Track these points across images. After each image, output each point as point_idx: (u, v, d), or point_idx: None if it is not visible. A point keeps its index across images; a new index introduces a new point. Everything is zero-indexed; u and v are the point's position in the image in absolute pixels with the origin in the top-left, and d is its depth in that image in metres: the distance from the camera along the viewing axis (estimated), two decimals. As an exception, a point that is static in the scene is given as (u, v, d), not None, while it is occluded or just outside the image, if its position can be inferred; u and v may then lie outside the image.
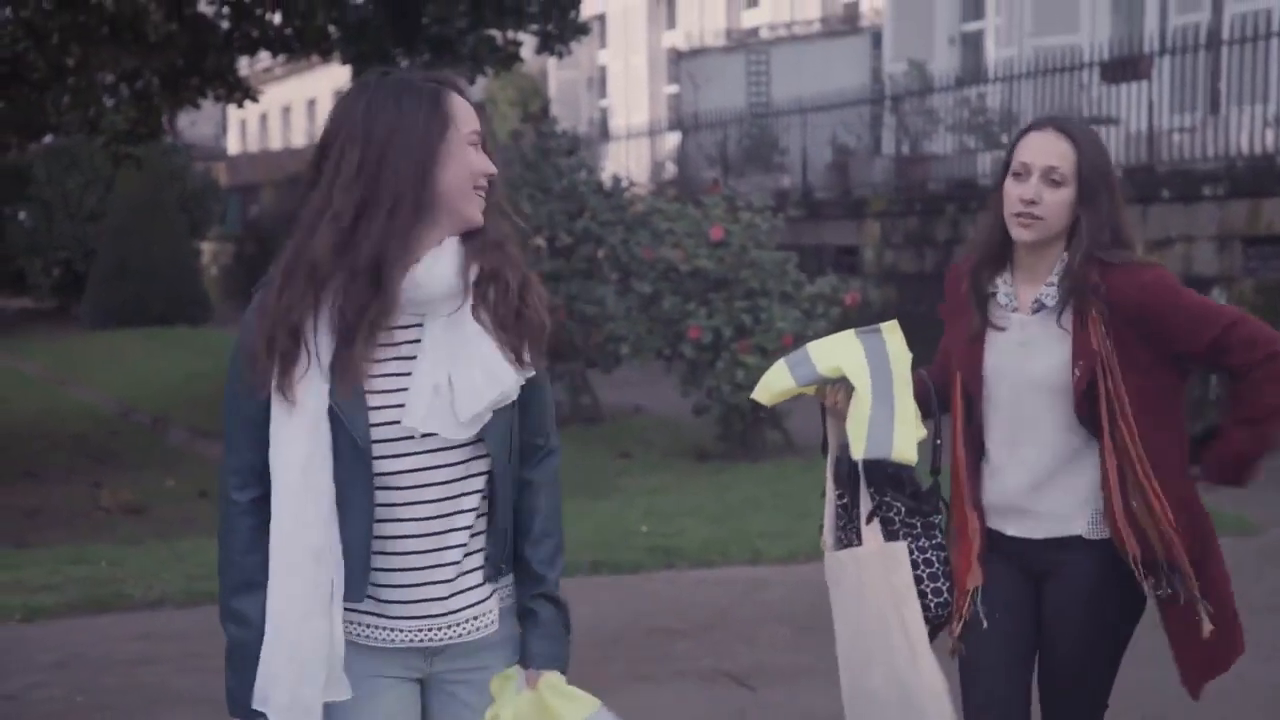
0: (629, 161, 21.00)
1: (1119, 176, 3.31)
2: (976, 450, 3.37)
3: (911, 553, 3.31)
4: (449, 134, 2.57)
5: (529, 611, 2.71)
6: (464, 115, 2.62)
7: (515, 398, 2.62)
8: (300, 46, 15.74)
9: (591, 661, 4.82)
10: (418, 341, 2.60)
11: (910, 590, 3.29)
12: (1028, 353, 3.28)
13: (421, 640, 2.63)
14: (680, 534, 7.85)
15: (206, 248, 33.23)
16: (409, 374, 2.58)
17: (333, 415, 2.54)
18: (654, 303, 10.76)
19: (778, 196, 16.34)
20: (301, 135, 41.36)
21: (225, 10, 15.22)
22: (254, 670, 2.57)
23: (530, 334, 2.64)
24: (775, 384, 3.33)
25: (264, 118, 43.28)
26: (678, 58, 22.32)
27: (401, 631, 2.63)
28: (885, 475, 3.32)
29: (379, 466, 2.56)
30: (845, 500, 3.40)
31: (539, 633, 2.70)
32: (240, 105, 17.43)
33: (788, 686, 5.48)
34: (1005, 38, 17.67)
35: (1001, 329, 3.30)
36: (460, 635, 2.63)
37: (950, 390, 3.40)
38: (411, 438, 2.56)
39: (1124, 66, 13.42)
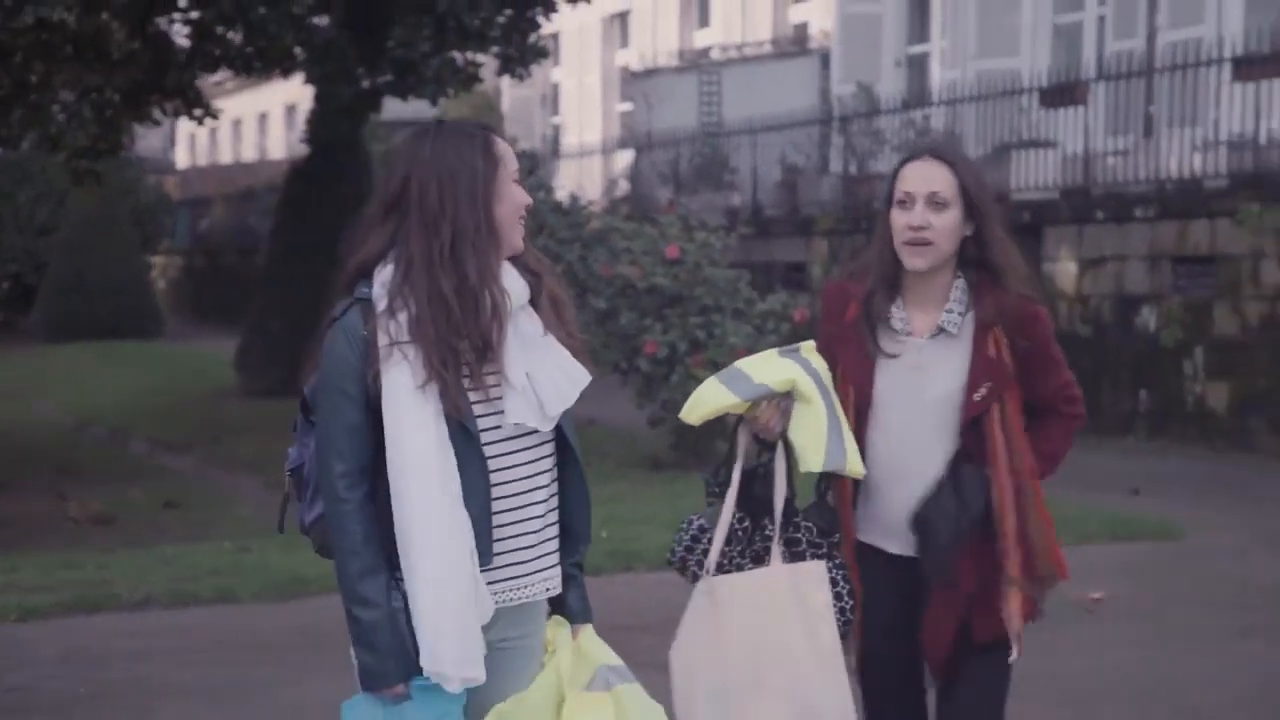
0: (581, 179, 21.40)
1: (996, 203, 3.40)
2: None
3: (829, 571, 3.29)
4: (499, 173, 2.97)
5: (570, 575, 3.10)
6: (508, 156, 3.03)
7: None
8: (262, 65, 16.04)
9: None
10: None
11: (828, 610, 3.25)
12: (923, 377, 3.32)
13: (509, 600, 2.97)
14: (638, 539, 8.24)
15: (156, 261, 33.29)
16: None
17: (451, 416, 2.90)
18: (610, 318, 11.15)
19: (728, 214, 16.79)
20: (252, 149, 41.40)
21: (187, 29, 15.47)
22: (389, 646, 2.85)
23: (572, 341, 3.07)
24: (709, 401, 3.29)
25: (214, 131, 43.26)
26: (632, 77, 22.74)
27: (494, 593, 2.94)
28: (792, 494, 3.32)
29: (487, 451, 2.94)
30: (745, 523, 3.33)
31: (578, 593, 3.12)
32: (200, 122, 17.68)
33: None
34: (950, 60, 18.22)
35: (894, 355, 3.33)
36: (535, 595, 3.01)
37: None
38: (500, 427, 2.94)
39: (1062, 92, 13.97)
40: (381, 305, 2.93)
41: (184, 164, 44.29)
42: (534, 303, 3.05)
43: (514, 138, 14.46)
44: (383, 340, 2.90)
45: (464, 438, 2.91)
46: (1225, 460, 11.38)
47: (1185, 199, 12.32)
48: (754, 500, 3.31)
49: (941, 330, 3.31)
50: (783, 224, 16.91)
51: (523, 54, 13.19)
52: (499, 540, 2.96)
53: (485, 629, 2.94)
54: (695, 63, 21.82)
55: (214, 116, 17.74)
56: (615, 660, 3.05)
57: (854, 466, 3.23)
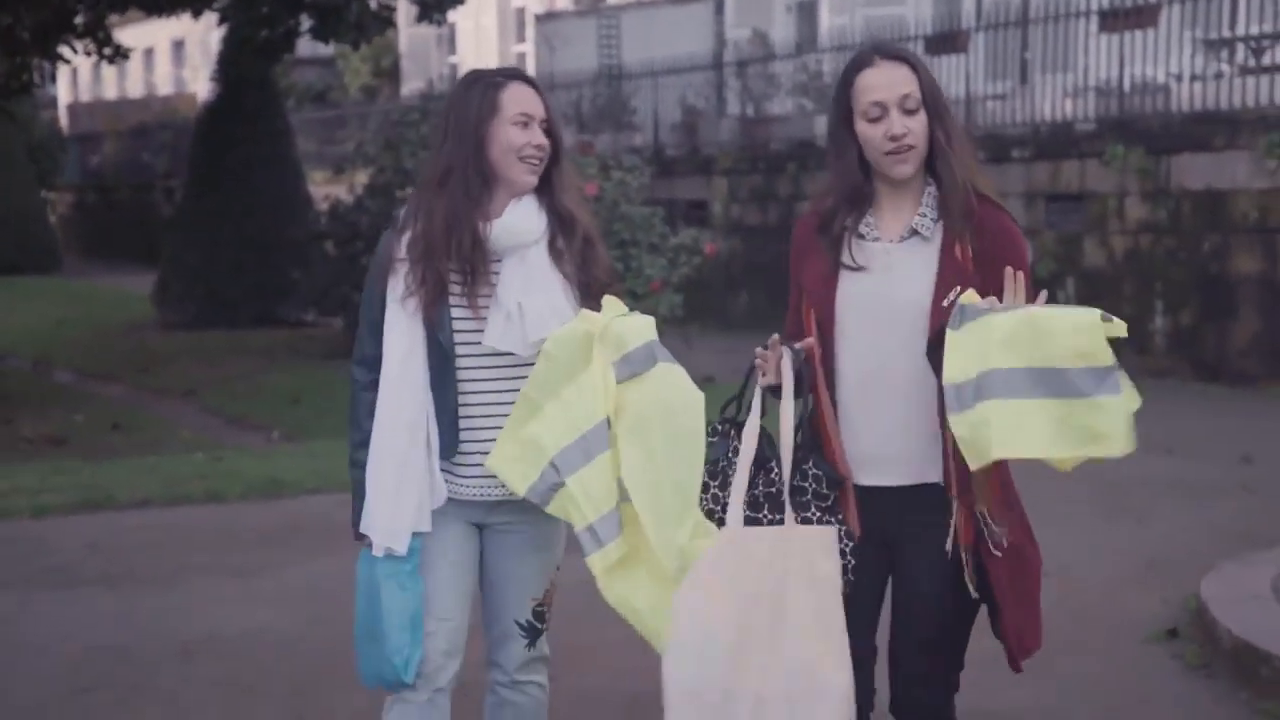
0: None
1: None
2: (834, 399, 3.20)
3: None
4: (496, 117, 3.24)
5: None
6: (511, 101, 3.26)
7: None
8: (172, 4, 16.33)
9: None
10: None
11: (836, 579, 3.09)
12: (891, 280, 3.14)
13: (484, 495, 3.33)
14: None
15: (49, 197, 33.25)
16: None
17: (427, 326, 3.26)
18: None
19: (630, 154, 17.62)
20: (139, 85, 41.12)
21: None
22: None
23: (592, 278, 3.31)
24: None
25: (97, 66, 42.90)
26: (536, 21, 23.37)
27: (469, 486, 3.32)
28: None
29: (463, 364, 3.27)
30: (775, 471, 3.17)
31: None
32: (111, 61, 17.98)
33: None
34: (838, 7, 19.17)
35: (860, 267, 3.16)
36: (508, 494, 3.27)
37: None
38: (482, 344, 3.27)
39: (945, 40, 14.98)
40: (399, 227, 3.31)
41: (65, 99, 43.79)
42: (556, 240, 3.30)
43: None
44: (395, 255, 3.29)
45: (439, 348, 3.25)
46: (1093, 379, 12.54)
47: (1057, 141, 13.39)
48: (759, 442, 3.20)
49: (915, 233, 3.15)
50: (684, 163, 17.75)
51: (440, 1, 13.82)
52: (476, 442, 3.29)
53: (490, 512, 3.36)
54: (594, 7, 22.52)
55: (124, 56, 18.07)
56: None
57: None
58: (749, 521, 3.13)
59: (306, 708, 4.75)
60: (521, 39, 26.44)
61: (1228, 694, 4.84)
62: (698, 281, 12.36)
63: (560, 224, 3.31)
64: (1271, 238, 11.51)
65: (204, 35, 34.27)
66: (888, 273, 3.15)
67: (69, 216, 34.27)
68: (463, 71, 21.33)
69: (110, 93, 42.21)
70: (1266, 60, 12.32)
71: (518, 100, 3.26)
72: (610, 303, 3.22)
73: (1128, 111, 12.97)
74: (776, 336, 3.17)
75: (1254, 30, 12.54)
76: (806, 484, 3.12)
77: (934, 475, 3.13)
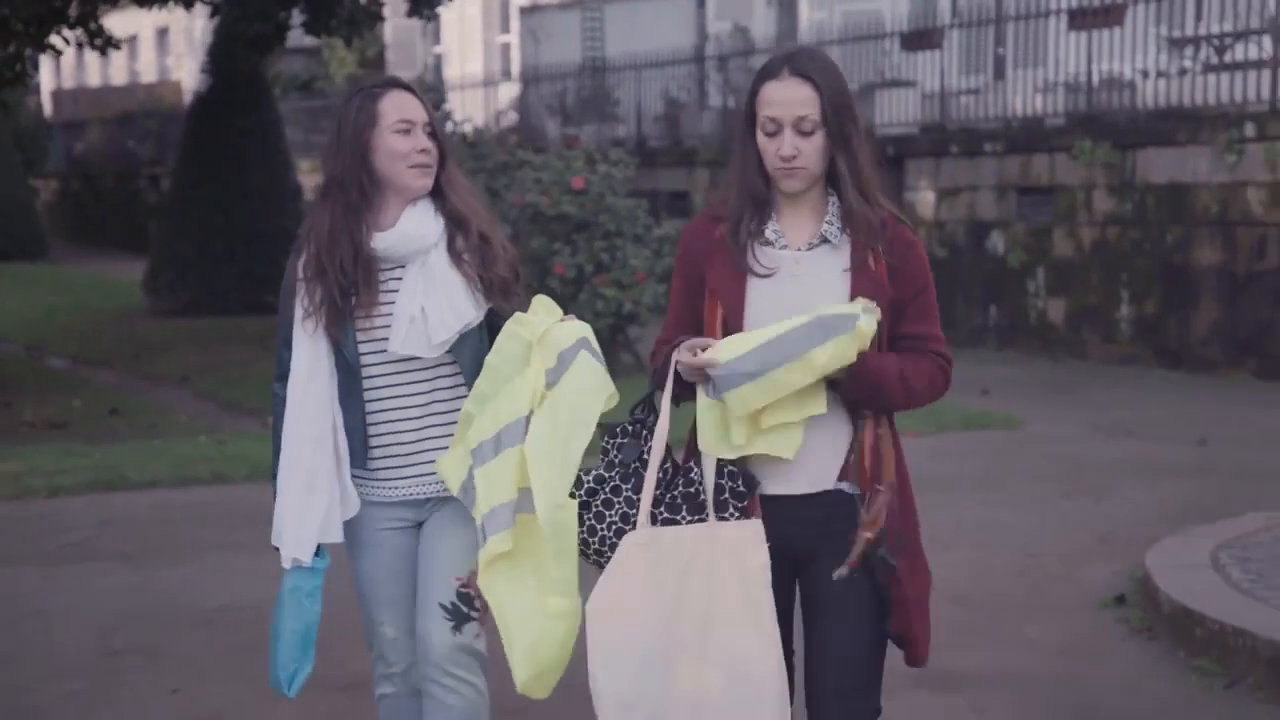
0: (466, 109, 22.37)
1: (861, 126, 3.15)
2: None
3: None
4: (377, 126, 3.28)
5: None
6: (391, 109, 3.29)
7: (478, 323, 3.32)
8: (170, -1, 16.59)
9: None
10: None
11: (765, 573, 3.02)
12: (801, 289, 3.08)
13: (412, 494, 3.41)
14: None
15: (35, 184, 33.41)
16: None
17: (330, 343, 3.32)
18: (515, 242, 12.37)
19: (613, 145, 18.00)
20: (123, 72, 41.26)
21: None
22: None
23: (494, 275, 3.34)
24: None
25: (80, 52, 42.91)
26: (521, 13, 23.70)
27: (396, 489, 3.42)
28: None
29: (371, 374, 3.35)
30: (694, 472, 3.10)
31: None
32: (104, 52, 18.26)
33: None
34: (817, 2, 19.55)
35: (767, 272, 3.09)
36: (440, 491, 3.38)
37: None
38: (386, 351, 3.33)
39: (921, 36, 15.40)
40: (298, 245, 3.38)
41: (49, 85, 43.84)
42: (455, 241, 3.33)
43: (429, 85, 15.27)
44: (296, 276, 3.35)
45: (344, 361, 3.33)
46: (1062, 366, 12.99)
47: (1028, 135, 13.82)
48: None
49: (824, 240, 3.11)
50: (666, 155, 18.13)
51: (431, -4, 14.18)
52: (394, 445, 3.38)
53: (420, 510, 3.44)
54: (577, 1, 22.87)
55: (116, 46, 18.37)
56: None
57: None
58: (667, 523, 3.06)
59: (322, 667, 5.13)
60: (506, 29, 26.73)
61: (1167, 653, 5.28)
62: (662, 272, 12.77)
63: (456, 225, 3.35)
64: (1231, 230, 11.96)
65: (188, 23, 34.46)
66: (798, 280, 3.09)
67: (53, 204, 34.45)
68: (448, 62, 21.79)
69: (94, 80, 42.29)
70: (1228, 58, 12.76)
71: (397, 107, 3.30)
72: (544, 304, 3.27)
73: (1095, 107, 13.40)
74: (691, 340, 3.07)
75: (1216, 29, 12.98)
76: (724, 482, 3.05)
77: (831, 483, 3.08)
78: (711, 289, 3.11)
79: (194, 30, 36.05)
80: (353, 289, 3.28)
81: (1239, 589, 5.45)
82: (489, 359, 3.23)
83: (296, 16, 14.59)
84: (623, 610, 3.02)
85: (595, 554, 3.10)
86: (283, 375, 3.38)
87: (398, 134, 3.28)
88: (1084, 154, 12.90)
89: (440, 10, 27.58)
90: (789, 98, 3.03)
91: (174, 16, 31.34)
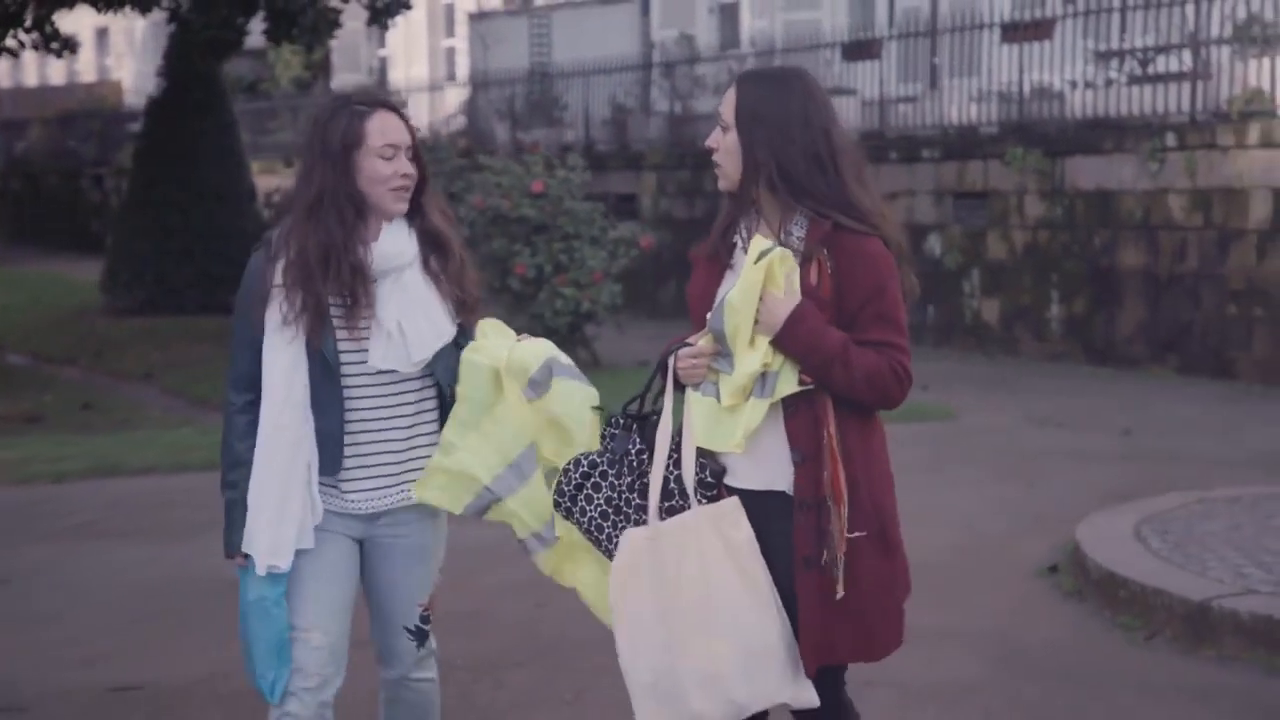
0: (412, 113, 22.75)
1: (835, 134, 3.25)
2: None
3: None
4: (361, 147, 3.30)
5: None
6: (376, 131, 3.31)
7: (452, 338, 3.41)
8: (123, 2, 16.92)
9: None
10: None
11: (753, 545, 3.16)
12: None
13: (369, 508, 3.44)
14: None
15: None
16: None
17: (310, 350, 3.33)
18: (473, 244, 12.88)
19: (561, 149, 18.52)
20: (60, 72, 41.21)
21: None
22: (237, 524, 3.39)
23: (466, 294, 3.44)
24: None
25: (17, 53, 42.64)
26: (470, 19, 24.17)
27: (354, 500, 3.43)
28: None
29: (347, 384, 3.38)
30: (643, 457, 3.27)
31: None
32: (59, 55, 18.56)
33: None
34: (759, 10, 20.19)
35: (735, 269, 3.26)
36: (399, 502, 3.45)
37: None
38: (366, 364, 3.38)
39: (861, 47, 16.06)
40: (273, 251, 3.35)
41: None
42: (429, 261, 3.40)
43: (403, 102, 15.69)
44: (270, 281, 3.33)
45: (323, 369, 3.33)
46: (996, 363, 13.68)
47: (964, 142, 14.50)
48: (647, 437, 3.28)
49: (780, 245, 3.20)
50: (614, 158, 18.68)
51: (389, 5, 14.65)
52: (362, 456, 3.40)
53: (370, 524, 3.48)
54: (525, 7, 23.38)
55: (73, 50, 18.72)
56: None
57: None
58: (665, 511, 3.23)
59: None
60: (451, 34, 27.18)
61: (1095, 613, 5.92)
62: (629, 272, 13.33)
63: (432, 245, 3.41)
64: (1154, 234, 12.70)
65: (128, 24, 34.52)
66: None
67: (-10, 203, 34.41)
68: (393, 65, 22.17)
69: (31, 79, 42.15)
70: (1151, 70, 13.50)
71: (383, 131, 3.32)
72: (494, 327, 3.41)
73: (1027, 116, 14.10)
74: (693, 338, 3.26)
75: (1140, 43, 13.72)
76: (705, 474, 3.21)
77: (782, 484, 3.18)
78: (690, 293, 3.36)
79: (135, 31, 36.18)
80: (345, 300, 3.31)
81: (1159, 556, 6.10)
82: (460, 389, 3.34)
83: (259, 25, 15.03)
84: (634, 602, 3.21)
85: (586, 533, 3.30)
86: (238, 379, 3.38)
87: (381, 159, 3.31)
88: (1016, 161, 13.59)
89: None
90: (724, 99, 3.33)
91: (114, 17, 31.54)
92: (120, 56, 38.10)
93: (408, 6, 15.02)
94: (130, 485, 8.30)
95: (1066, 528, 7.03)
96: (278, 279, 3.30)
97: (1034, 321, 13.76)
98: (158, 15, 16.19)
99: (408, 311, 3.34)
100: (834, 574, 3.10)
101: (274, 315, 3.31)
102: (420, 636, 3.54)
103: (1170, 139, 12.45)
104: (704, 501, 3.19)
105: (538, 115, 20.27)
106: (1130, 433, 9.86)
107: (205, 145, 18.66)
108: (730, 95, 3.27)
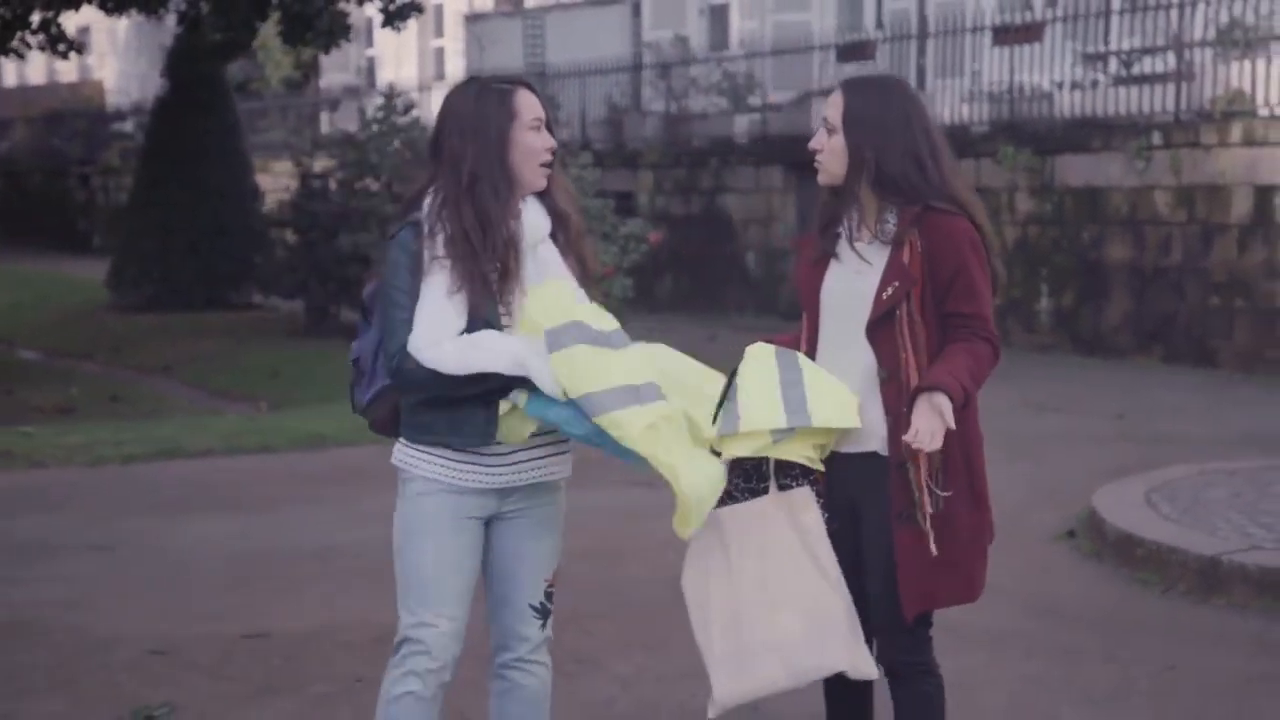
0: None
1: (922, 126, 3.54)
2: None
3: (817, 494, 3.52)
4: (515, 124, 3.42)
5: None
6: (526, 109, 3.45)
7: None
8: (127, 2, 17.30)
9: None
10: None
11: (820, 527, 3.48)
12: (861, 275, 3.52)
13: (520, 479, 3.47)
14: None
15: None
16: None
17: (474, 317, 3.40)
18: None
19: (560, 148, 18.98)
20: (40, 72, 41.37)
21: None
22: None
23: (587, 269, 3.57)
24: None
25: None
26: (465, 21, 24.64)
27: (498, 474, 3.47)
28: None
29: None
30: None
31: None
32: (65, 56, 18.94)
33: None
34: (748, 11, 20.75)
35: (837, 256, 3.57)
36: (545, 476, 3.51)
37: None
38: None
39: (854, 49, 16.65)
40: (426, 228, 3.41)
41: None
42: (557, 235, 3.52)
43: (392, 85, 15.86)
44: (427, 255, 3.39)
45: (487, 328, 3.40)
46: (988, 353, 14.27)
47: (955, 141, 14.84)
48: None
49: (876, 238, 3.53)
50: (611, 157, 19.18)
51: (401, 8, 15.12)
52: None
53: (504, 499, 3.51)
54: (519, 8, 23.88)
55: (79, 51, 19.12)
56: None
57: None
58: (745, 491, 3.53)
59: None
60: (440, 34, 27.61)
61: (1113, 571, 6.52)
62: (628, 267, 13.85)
63: (558, 222, 3.53)
64: (1140, 229, 13.33)
65: (111, 24, 34.78)
66: (860, 274, 3.55)
67: (-27, 201, 34.53)
68: (381, 66, 22.61)
69: (10, 79, 42.25)
70: (1136, 71, 14.13)
71: (530, 106, 3.47)
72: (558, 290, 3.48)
73: (1017, 115, 14.71)
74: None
75: (1125, 45, 14.35)
76: (794, 464, 3.50)
77: (877, 445, 3.50)
78: (795, 280, 3.73)
79: (117, 31, 36.43)
80: (500, 271, 3.40)
81: (1170, 520, 6.71)
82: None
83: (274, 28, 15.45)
84: (706, 581, 3.49)
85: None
86: (399, 344, 3.39)
87: (533, 130, 3.44)
88: (1007, 159, 14.18)
89: (371, 13, 28.31)
90: (830, 101, 3.62)
91: (96, 17, 31.78)
92: (103, 56, 38.30)
93: (420, 9, 15.46)
94: (194, 466, 8.81)
95: (1077, 499, 7.60)
96: (439, 251, 3.38)
97: (1024, 314, 14.36)
98: (138, 15, 16.46)
99: (542, 278, 3.45)
100: (923, 528, 3.40)
101: (438, 284, 3.37)
102: (544, 614, 3.55)
103: (1156, 138, 13.08)
104: (792, 481, 3.51)
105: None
106: (1124, 417, 10.46)
107: (210, 145, 19.07)
108: (837, 100, 3.57)
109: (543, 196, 3.50)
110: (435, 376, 3.37)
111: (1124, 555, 6.53)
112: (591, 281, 3.56)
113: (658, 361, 3.47)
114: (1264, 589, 5.88)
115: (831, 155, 3.56)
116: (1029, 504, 7.86)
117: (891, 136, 3.50)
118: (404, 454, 3.49)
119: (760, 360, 3.53)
